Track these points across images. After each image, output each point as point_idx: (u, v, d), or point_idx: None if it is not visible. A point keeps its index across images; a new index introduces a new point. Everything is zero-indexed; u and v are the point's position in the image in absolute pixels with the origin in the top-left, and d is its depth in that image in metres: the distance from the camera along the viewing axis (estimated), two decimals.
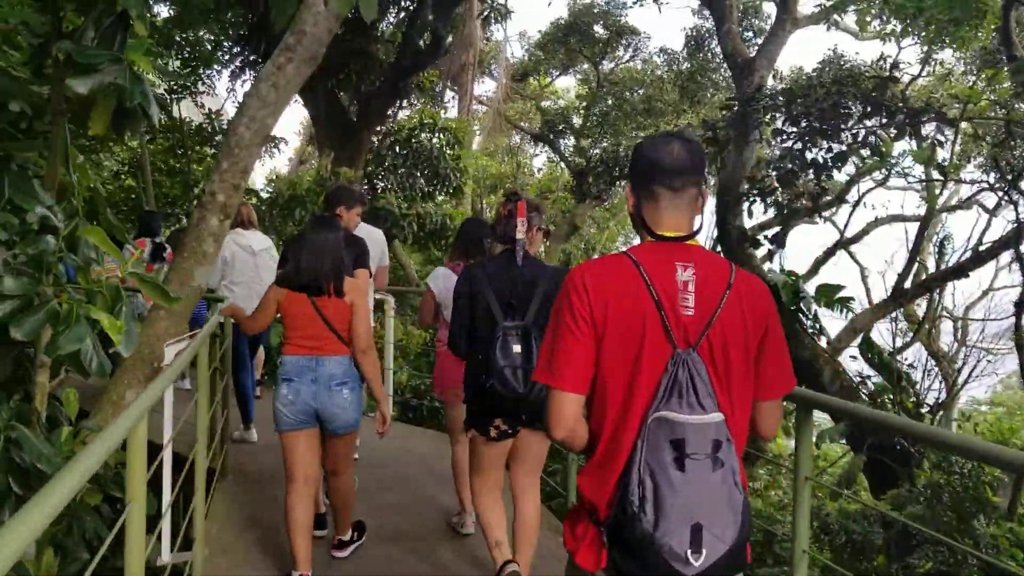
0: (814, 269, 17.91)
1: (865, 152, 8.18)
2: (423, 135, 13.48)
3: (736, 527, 1.80)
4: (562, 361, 1.88)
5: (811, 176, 8.69)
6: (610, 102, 21.10)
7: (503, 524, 3.79)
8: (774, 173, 8.59)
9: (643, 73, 20.53)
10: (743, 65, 12.01)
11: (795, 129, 7.94)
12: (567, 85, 27.01)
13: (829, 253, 17.96)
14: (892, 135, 7.94)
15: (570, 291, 1.90)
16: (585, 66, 22.79)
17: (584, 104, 22.77)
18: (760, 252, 12.00)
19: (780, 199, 9.07)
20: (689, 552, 1.74)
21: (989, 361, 12.62)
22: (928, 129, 8.49)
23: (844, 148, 7.94)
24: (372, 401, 7.40)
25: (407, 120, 14.05)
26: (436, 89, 23.22)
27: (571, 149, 22.73)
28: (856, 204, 15.36)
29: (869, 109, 7.59)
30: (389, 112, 13.24)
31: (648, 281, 1.86)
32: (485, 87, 25.27)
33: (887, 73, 8.09)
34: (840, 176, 13.51)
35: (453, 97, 22.32)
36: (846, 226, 17.43)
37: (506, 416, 3.60)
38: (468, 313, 3.60)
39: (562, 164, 24.00)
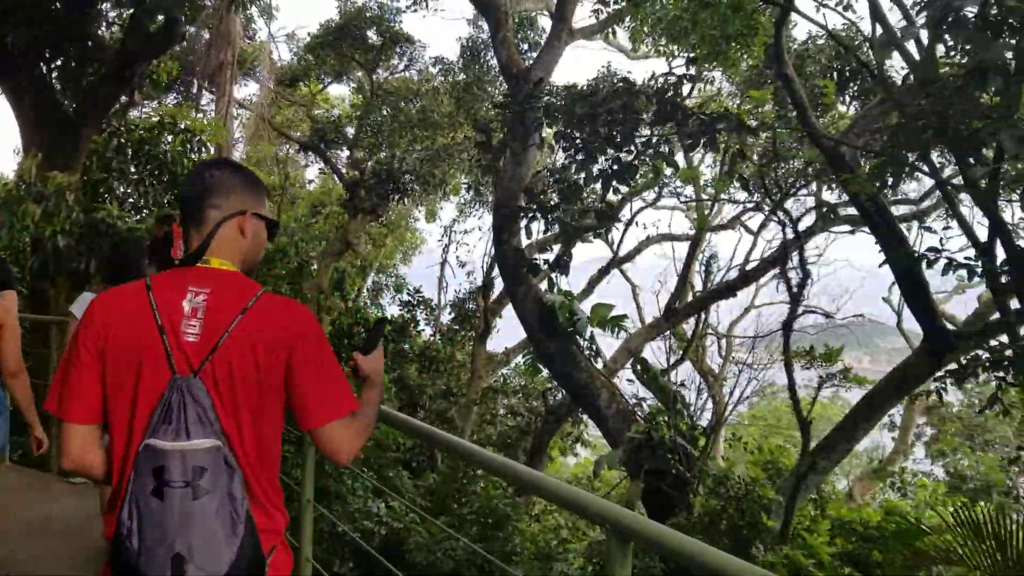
0: (589, 288, 17.77)
1: (657, 162, 7.60)
2: (163, 137, 11.70)
3: (230, 557, 1.76)
4: (68, 392, 1.90)
5: (590, 191, 7.99)
6: (385, 112, 20.05)
7: None
8: (556, 186, 7.73)
9: (419, 83, 19.66)
10: (519, 76, 11.39)
11: (579, 135, 7.14)
12: (341, 94, 25.75)
13: (603, 272, 17.89)
14: (686, 144, 7.39)
15: (81, 320, 1.93)
16: (359, 74, 21.66)
17: (358, 114, 21.59)
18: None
19: (562, 216, 8.25)
20: None
21: (756, 380, 12.78)
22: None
23: (633, 158, 7.27)
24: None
25: (143, 119, 12.18)
26: (192, 90, 21.15)
27: (345, 161, 21.46)
28: (629, 223, 15.30)
29: (664, 112, 6.95)
30: (116, 107, 11.31)
31: (154, 308, 1.88)
32: (250, 90, 23.40)
33: (672, 80, 7.60)
34: (610, 195, 13.27)
35: (211, 101, 20.38)
36: (619, 245, 17.41)
37: None
38: None
39: (335, 176, 22.65)
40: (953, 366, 5.66)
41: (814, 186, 13.42)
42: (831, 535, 11.30)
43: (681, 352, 16.22)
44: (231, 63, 18.01)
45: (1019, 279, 4.76)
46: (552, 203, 7.74)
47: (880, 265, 7.76)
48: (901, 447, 18.35)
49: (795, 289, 10.55)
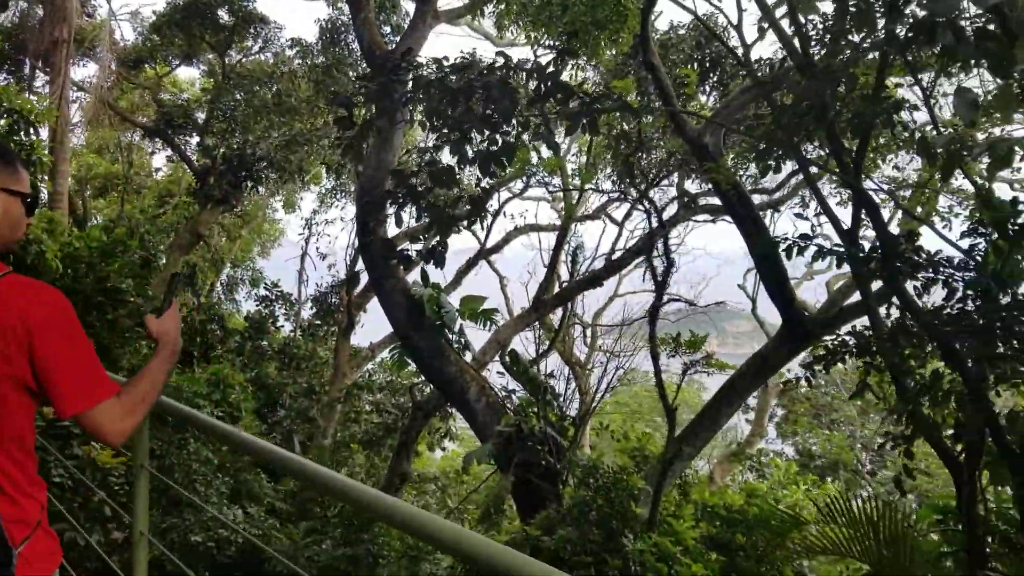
0: (456, 280, 17.48)
1: (537, 144, 7.29)
2: None
3: None
4: None
5: (463, 174, 7.57)
6: (238, 97, 19.04)
7: None
8: (427, 169, 7.16)
9: (274, 66, 18.75)
10: (382, 58, 10.93)
11: (453, 112, 6.66)
12: (191, 77, 24.40)
13: (471, 263, 17.64)
14: (567, 125, 7.09)
15: None
16: (210, 56, 20.51)
17: (209, 98, 20.43)
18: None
19: (435, 202, 7.75)
20: None
21: (622, 368, 12.84)
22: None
23: (512, 138, 6.90)
24: None
25: None
26: (24, 71, 19.39)
27: (195, 148, 20.27)
28: (497, 213, 15.12)
29: (546, 88, 6.62)
30: None
31: None
32: (89, 71, 21.69)
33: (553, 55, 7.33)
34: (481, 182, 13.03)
35: (47, 83, 18.77)
36: (487, 235, 17.21)
37: None
38: None
39: (185, 164, 21.37)
40: (821, 352, 5.72)
41: (676, 176, 13.63)
42: (695, 519, 11.50)
43: (548, 343, 16.19)
44: (67, 41, 16.58)
45: (886, 263, 4.82)
46: (424, 188, 7.21)
47: (756, 252, 7.83)
48: (757, 429, 19.09)
49: (660, 277, 10.61)
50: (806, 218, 5.35)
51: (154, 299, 11.03)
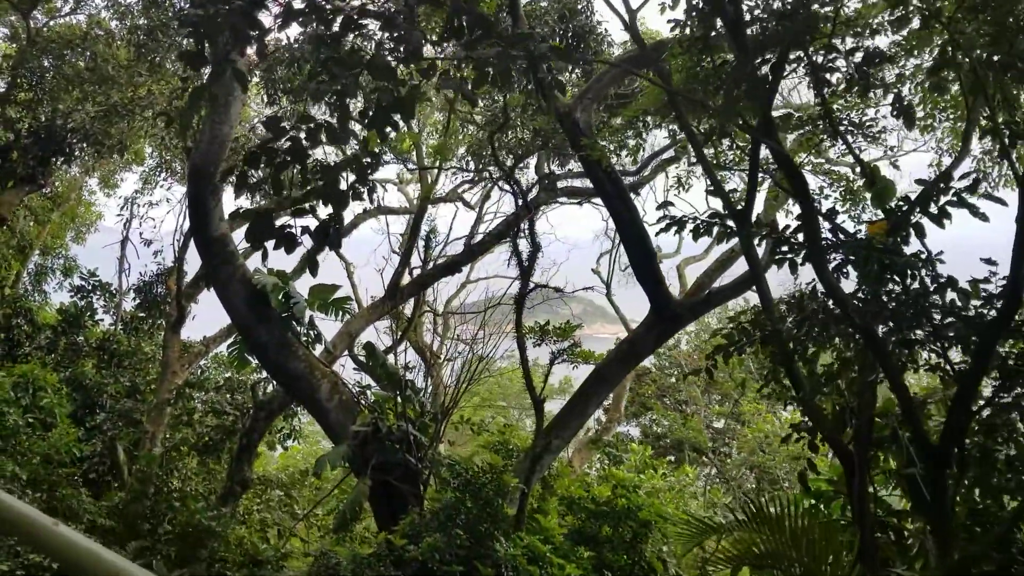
0: (301, 268, 16.26)
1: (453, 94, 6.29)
2: None
3: None
4: None
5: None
6: (47, 63, 17.03)
7: None
8: (303, 125, 5.77)
9: (89, 29, 16.81)
10: None
11: (340, 45, 5.41)
12: None
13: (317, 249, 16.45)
14: (476, 75, 6.13)
15: None
16: (12, 18, 18.28)
17: (11, 64, 18.17)
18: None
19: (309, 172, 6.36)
20: None
21: (486, 358, 12.22)
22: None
23: (393, 97, 5.85)
24: None
25: None
26: None
27: None
28: (346, 194, 14.07)
29: (460, 23, 5.56)
30: None
31: None
32: None
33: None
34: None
35: None
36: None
37: None
38: None
39: None
40: (722, 342, 5.31)
41: (535, 157, 13.12)
42: (561, 513, 11.08)
43: (401, 333, 15.36)
44: None
45: (813, 244, 4.42)
46: (292, 151, 5.79)
47: (628, 234, 7.36)
48: (614, 415, 19.04)
49: (526, 262, 10.07)
50: (725, 194, 4.97)
51: None
